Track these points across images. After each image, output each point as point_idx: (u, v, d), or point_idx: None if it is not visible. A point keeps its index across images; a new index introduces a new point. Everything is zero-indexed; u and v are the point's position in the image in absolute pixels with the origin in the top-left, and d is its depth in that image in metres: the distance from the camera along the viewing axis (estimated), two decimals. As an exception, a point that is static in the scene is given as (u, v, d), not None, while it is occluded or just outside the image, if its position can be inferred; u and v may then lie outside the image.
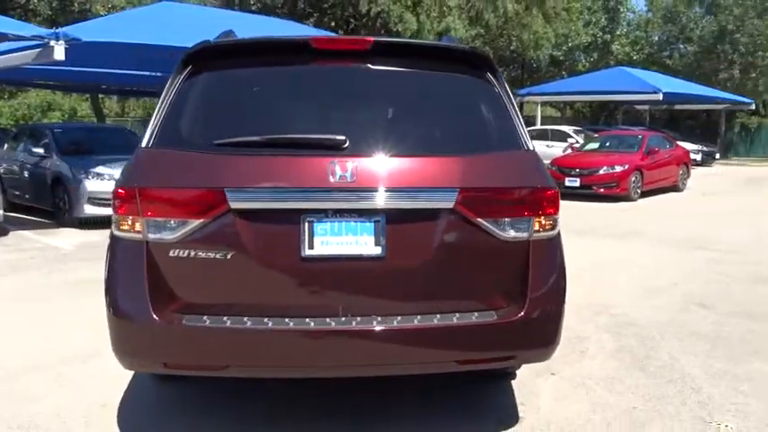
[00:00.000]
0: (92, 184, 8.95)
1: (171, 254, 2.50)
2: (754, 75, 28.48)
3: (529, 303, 2.60)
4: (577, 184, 13.32)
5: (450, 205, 2.54)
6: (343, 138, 2.53)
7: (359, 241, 2.52)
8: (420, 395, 3.36)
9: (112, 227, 2.64)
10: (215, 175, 2.49)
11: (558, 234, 2.78)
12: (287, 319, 2.48)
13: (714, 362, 3.93)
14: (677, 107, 28.24)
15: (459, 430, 2.98)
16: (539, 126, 21.43)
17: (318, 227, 2.50)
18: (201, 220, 2.47)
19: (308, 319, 2.49)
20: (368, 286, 2.56)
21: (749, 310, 5.10)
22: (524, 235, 2.64)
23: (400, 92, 2.86)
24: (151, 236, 2.51)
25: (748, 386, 3.57)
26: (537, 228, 2.65)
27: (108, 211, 8.75)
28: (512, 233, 2.62)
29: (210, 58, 2.79)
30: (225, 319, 2.49)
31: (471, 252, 2.60)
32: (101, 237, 8.22)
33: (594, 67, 29.66)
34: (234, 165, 2.52)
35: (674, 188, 15.18)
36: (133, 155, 2.71)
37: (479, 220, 2.57)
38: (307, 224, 2.50)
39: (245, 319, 2.48)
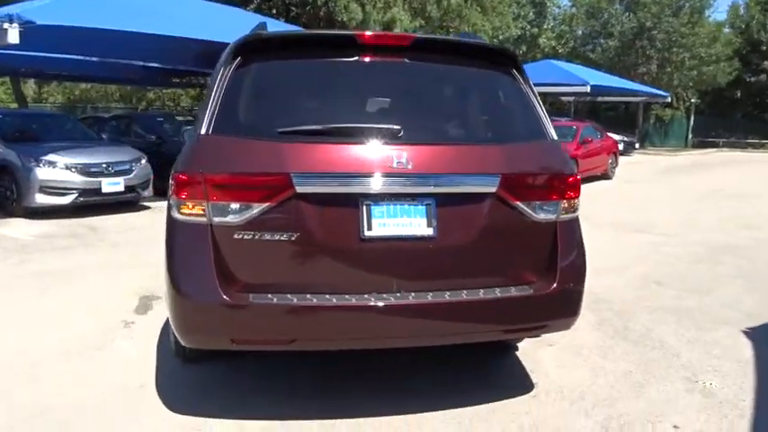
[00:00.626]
0: (43, 173, 8.66)
1: (235, 236, 2.65)
2: (669, 69, 30.32)
3: (559, 278, 2.91)
4: (519, 172, 13.88)
5: (493, 189, 2.80)
6: (398, 127, 2.75)
7: (413, 223, 2.74)
8: (437, 370, 3.59)
9: (171, 210, 2.75)
10: (281, 161, 2.65)
11: (578, 216, 3.10)
12: (347, 296, 2.68)
13: (684, 331, 4.39)
14: (599, 99, 29.66)
15: (482, 398, 3.23)
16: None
17: (376, 210, 2.71)
18: (267, 204, 2.62)
19: (367, 295, 2.69)
20: (421, 264, 2.79)
21: (698, 286, 5.64)
22: (552, 216, 2.94)
23: (439, 85, 3.10)
24: (216, 219, 2.64)
25: (719, 350, 4.03)
26: (562, 210, 2.96)
27: (61, 200, 8.70)
28: (542, 215, 2.91)
29: (260, 49, 2.92)
30: (290, 296, 2.65)
31: (509, 232, 2.88)
32: (57, 227, 8.05)
33: (523, 60, 30.65)
34: (299, 151, 2.69)
35: (605, 176, 16.10)
36: (190, 140, 2.81)
37: (517, 202, 2.85)
38: (365, 207, 2.70)
39: (310, 295, 2.66)
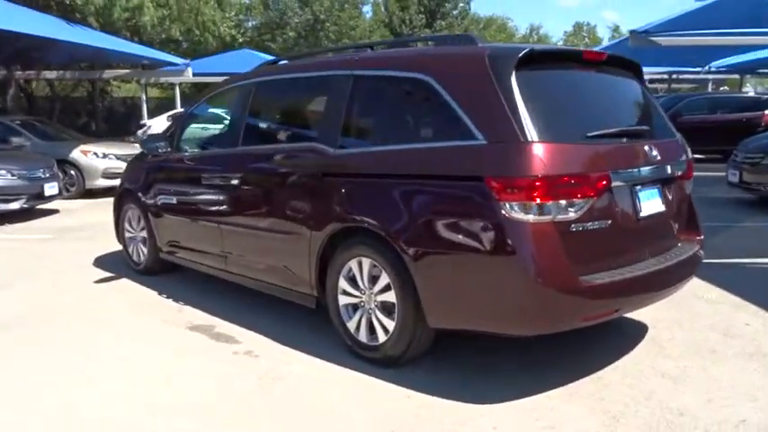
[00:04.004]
0: None
1: (571, 228, 3.09)
2: (341, 59, 33.45)
3: (702, 234, 4.00)
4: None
5: (681, 173, 3.75)
6: (648, 127, 3.48)
7: (655, 203, 3.58)
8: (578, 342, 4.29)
9: (503, 212, 3.01)
10: (601, 160, 3.24)
11: None
12: (640, 264, 3.39)
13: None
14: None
15: (615, 342, 4.14)
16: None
17: (641, 194, 3.47)
18: (594, 198, 3.14)
19: (647, 262, 3.41)
20: (661, 234, 3.65)
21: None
22: (690, 190, 4.01)
23: (625, 90, 3.85)
24: (559, 216, 3.04)
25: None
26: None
27: None
28: (689, 189, 3.96)
29: (529, 62, 3.26)
30: (614, 272, 3.21)
31: (681, 203, 3.87)
32: None
33: (203, 49, 30.12)
34: (608, 152, 3.30)
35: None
36: (509, 146, 3.07)
37: (684, 182, 3.86)
38: (636, 193, 3.40)
39: (623, 269, 3.26)
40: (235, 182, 4.55)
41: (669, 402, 3.25)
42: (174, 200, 5.33)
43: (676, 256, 3.67)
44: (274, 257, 4.32)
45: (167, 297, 5.26)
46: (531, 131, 3.07)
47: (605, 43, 53.04)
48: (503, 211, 3.03)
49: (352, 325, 3.81)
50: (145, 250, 5.86)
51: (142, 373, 3.77)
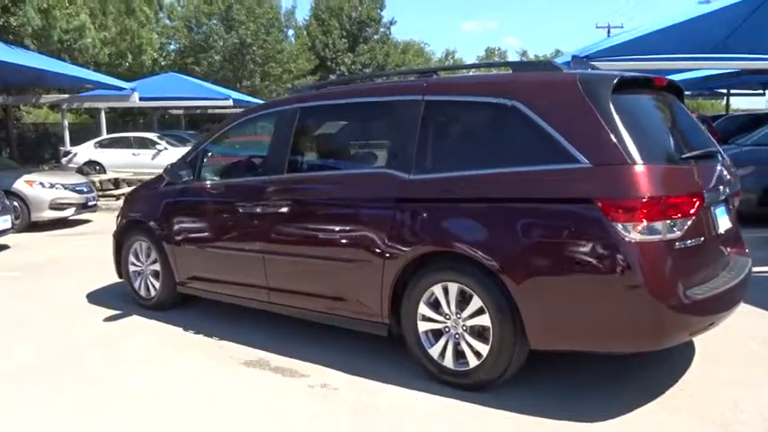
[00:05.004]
0: None
1: (676, 246, 3.24)
2: (268, 82, 33.09)
3: (747, 248, 4.26)
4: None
5: (736, 190, 4.00)
6: (716, 148, 3.70)
7: (725, 219, 3.79)
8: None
9: (618, 232, 3.12)
10: (695, 180, 3.45)
11: None
12: (720, 279, 3.58)
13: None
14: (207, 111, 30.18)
15: (668, 355, 4.29)
16: (114, 135, 20.41)
17: (716, 211, 3.68)
18: (693, 217, 3.31)
19: (723, 277, 3.61)
20: (727, 249, 3.83)
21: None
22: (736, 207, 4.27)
23: (683, 113, 4.07)
24: (668, 235, 3.20)
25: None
26: None
27: None
28: (737, 206, 4.22)
29: (620, 88, 3.41)
30: (707, 287, 3.39)
31: (735, 220, 4.08)
32: None
33: (128, 71, 28.83)
34: (699, 172, 3.52)
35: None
36: (627, 170, 3.17)
37: (735, 199, 4.11)
38: (713, 211, 3.61)
39: (711, 284, 3.43)
40: (284, 210, 4.41)
41: (759, 408, 3.44)
42: (201, 230, 5.10)
43: (741, 270, 3.89)
44: (334, 286, 4.21)
45: (196, 332, 5.00)
46: (635, 154, 3.20)
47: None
48: (616, 232, 3.13)
49: (435, 351, 3.78)
50: (156, 284, 5.56)
51: (224, 418, 3.56)
